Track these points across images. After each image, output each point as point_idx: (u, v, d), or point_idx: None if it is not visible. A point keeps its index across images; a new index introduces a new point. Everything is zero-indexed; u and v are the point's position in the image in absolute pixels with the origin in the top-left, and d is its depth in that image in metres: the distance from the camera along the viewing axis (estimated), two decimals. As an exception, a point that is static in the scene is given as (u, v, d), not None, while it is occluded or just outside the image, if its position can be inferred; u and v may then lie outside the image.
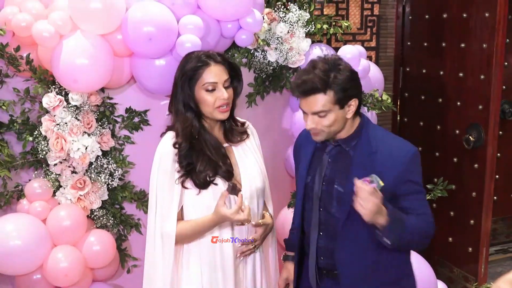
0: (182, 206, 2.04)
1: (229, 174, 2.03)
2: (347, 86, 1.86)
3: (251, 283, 2.14)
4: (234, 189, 1.94)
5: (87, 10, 2.26)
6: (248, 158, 2.14)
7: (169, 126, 2.11)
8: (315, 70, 1.85)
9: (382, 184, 1.82)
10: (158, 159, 2.03)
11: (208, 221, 1.98)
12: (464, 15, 3.43)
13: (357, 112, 1.97)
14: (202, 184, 1.99)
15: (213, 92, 1.99)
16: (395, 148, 1.94)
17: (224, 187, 2.00)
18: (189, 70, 1.99)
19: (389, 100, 2.83)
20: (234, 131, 2.14)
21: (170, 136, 2.05)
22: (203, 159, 2.00)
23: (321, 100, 1.85)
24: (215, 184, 2.01)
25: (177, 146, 2.01)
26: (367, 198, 1.75)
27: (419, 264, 2.85)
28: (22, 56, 2.42)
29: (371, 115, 2.83)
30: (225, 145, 2.12)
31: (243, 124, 2.21)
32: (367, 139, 1.95)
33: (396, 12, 3.80)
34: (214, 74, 1.99)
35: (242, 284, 2.11)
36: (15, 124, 2.52)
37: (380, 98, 2.81)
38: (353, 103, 1.91)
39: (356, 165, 1.94)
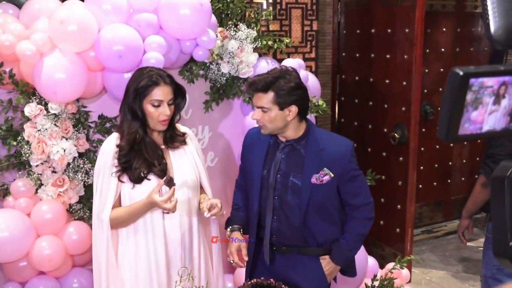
0: (120, 197, 2.17)
1: (163, 173, 2.16)
2: (287, 93, 2.11)
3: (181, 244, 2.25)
4: (170, 182, 2.05)
5: (65, 32, 2.42)
6: (184, 162, 2.27)
7: (117, 127, 2.26)
8: (268, 74, 2.13)
9: (332, 175, 2.18)
10: (101, 155, 2.18)
11: (140, 205, 2.11)
12: (389, 30, 3.75)
13: (304, 118, 2.23)
14: (136, 179, 2.13)
15: (158, 108, 2.13)
16: (337, 145, 2.24)
17: (157, 183, 2.12)
18: (141, 86, 2.12)
19: (324, 105, 3.13)
20: (173, 138, 2.28)
21: (115, 136, 2.20)
22: (139, 158, 2.14)
23: (263, 98, 2.13)
24: (148, 179, 2.14)
25: (119, 147, 2.15)
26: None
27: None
28: (5, 71, 2.55)
29: (310, 117, 3.11)
30: (162, 147, 2.25)
31: (183, 134, 2.33)
32: (314, 139, 2.22)
33: (332, 27, 4.10)
34: (162, 92, 2.12)
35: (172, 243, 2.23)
36: (0, 131, 2.68)
37: (317, 103, 3.10)
38: (293, 109, 2.15)
39: (308, 160, 2.21)
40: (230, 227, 2.42)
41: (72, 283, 2.77)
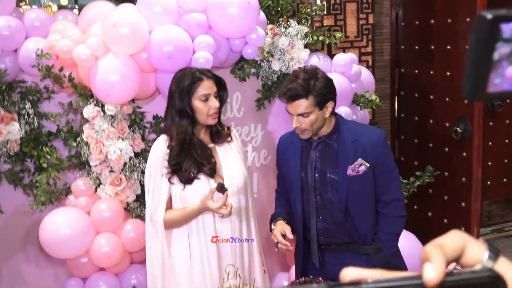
0: (171, 196, 2.21)
1: (212, 172, 2.21)
2: (324, 91, 2.11)
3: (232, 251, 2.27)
4: (222, 188, 2.08)
5: (117, 35, 2.49)
6: (230, 158, 2.29)
7: (164, 130, 2.30)
8: (297, 79, 2.10)
9: (368, 165, 2.14)
10: (151, 158, 2.23)
11: (194, 210, 2.16)
12: (449, 20, 3.58)
13: (333, 112, 2.21)
14: (186, 180, 2.17)
15: (206, 102, 2.18)
16: (369, 135, 2.20)
17: (207, 182, 2.18)
18: (187, 85, 2.17)
19: (378, 100, 3.03)
20: (219, 133, 2.31)
21: (163, 138, 2.23)
22: (189, 159, 2.18)
23: (304, 104, 2.10)
24: (198, 179, 2.18)
25: (170, 148, 2.18)
26: None
27: (410, 242, 3.05)
28: (65, 75, 2.65)
29: (364, 113, 3.03)
30: (210, 145, 2.28)
31: (228, 128, 2.37)
32: (345, 131, 2.20)
33: (390, 19, 3.97)
34: (207, 87, 2.18)
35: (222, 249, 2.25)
36: (61, 133, 2.78)
37: (370, 98, 3.01)
38: (330, 105, 2.15)
39: (342, 154, 2.19)
40: (273, 221, 2.36)
41: (130, 279, 2.85)
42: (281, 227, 2.22)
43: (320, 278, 2.06)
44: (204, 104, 2.18)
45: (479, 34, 0.59)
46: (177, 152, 2.18)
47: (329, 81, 2.17)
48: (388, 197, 2.23)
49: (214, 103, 2.19)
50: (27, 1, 6.85)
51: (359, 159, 2.16)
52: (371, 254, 2.24)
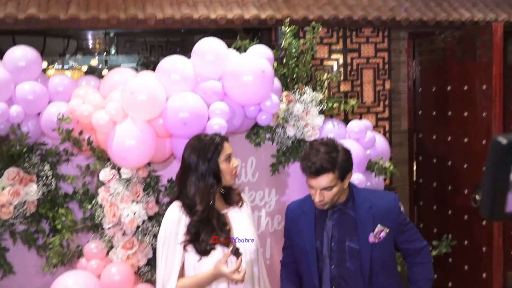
0: (183, 264, 2.18)
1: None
2: (346, 164, 2.13)
3: None
4: (236, 252, 2.07)
5: (135, 102, 2.57)
6: (242, 223, 2.29)
7: (172, 198, 2.30)
8: (319, 153, 2.10)
9: (387, 230, 2.18)
10: (165, 225, 2.21)
11: (207, 276, 2.13)
12: (465, 87, 3.60)
13: None
14: (203, 251, 2.14)
15: (229, 162, 2.23)
16: (384, 200, 2.25)
17: (222, 252, 2.15)
18: (212, 148, 2.19)
19: (392, 167, 3.02)
20: (231, 194, 2.32)
21: (177, 205, 2.22)
22: (208, 229, 2.16)
23: (329, 178, 2.10)
24: (214, 249, 2.15)
25: (198, 213, 2.15)
26: None
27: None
28: (84, 138, 2.73)
29: (378, 180, 3.02)
30: (224, 211, 2.27)
31: (236, 188, 2.38)
32: (360, 198, 2.21)
33: (407, 85, 4.02)
34: (228, 147, 2.25)
35: None
36: (77, 195, 2.83)
37: (384, 165, 3.01)
38: (349, 175, 2.16)
39: (361, 222, 2.18)
40: None
41: None
42: None
43: None
44: (227, 164, 2.22)
45: (495, 157, 0.61)
46: (200, 219, 2.15)
47: (349, 153, 2.19)
48: (416, 245, 2.29)
49: (235, 161, 2.27)
50: (57, 63, 7.18)
51: (379, 225, 2.17)
52: None
